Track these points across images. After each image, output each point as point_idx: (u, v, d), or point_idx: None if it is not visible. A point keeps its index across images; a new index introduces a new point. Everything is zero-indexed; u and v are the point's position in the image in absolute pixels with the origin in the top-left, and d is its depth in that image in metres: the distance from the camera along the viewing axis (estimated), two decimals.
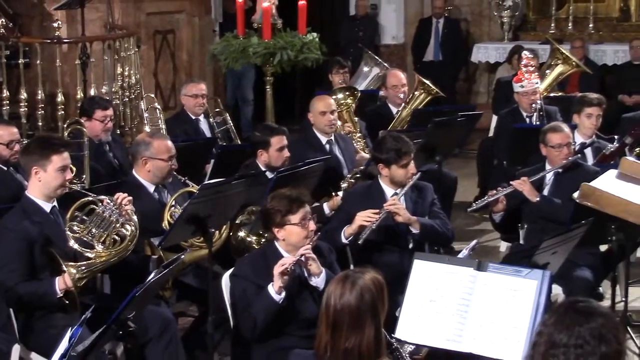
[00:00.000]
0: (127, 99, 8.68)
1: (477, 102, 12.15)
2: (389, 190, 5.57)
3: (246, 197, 5.29)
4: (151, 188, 5.47)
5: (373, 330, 3.37)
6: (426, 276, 3.92)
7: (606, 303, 6.00)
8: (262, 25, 8.66)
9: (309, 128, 7.07)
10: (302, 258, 4.40)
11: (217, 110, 7.88)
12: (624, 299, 6.03)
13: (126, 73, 8.67)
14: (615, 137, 7.02)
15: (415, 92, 8.15)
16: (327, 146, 6.90)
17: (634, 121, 7.45)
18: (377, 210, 5.34)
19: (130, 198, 4.93)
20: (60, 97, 8.17)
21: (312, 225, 4.56)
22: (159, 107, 7.82)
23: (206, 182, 5.40)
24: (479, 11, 12.94)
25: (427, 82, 8.22)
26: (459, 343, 3.76)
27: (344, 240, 5.35)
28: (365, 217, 5.31)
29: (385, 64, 9.43)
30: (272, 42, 8.49)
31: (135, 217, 4.86)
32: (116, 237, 4.80)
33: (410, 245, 5.45)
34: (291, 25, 8.82)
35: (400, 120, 7.95)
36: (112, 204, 4.82)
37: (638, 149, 6.80)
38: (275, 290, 4.33)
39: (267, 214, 4.56)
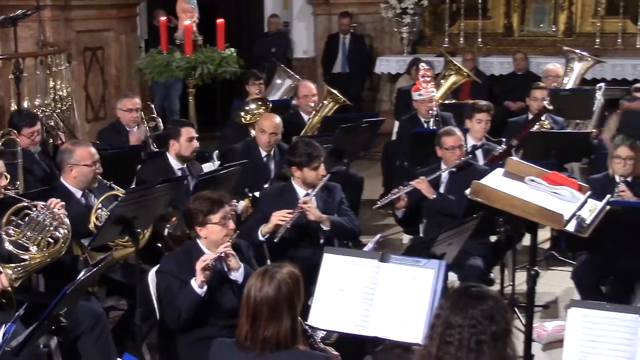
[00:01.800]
0: (59, 111, 8.54)
1: (381, 109, 12.19)
2: (301, 191, 5.57)
3: (169, 199, 5.24)
4: (78, 193, 5.37)
5: (290, 319, 3.37)
6: (335, 268, 3.93)
7: (496, 287, 6.10)
8: (184, 42, 8.63)
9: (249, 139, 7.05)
10: (222, 254, 4.38)
11: (152, 116, 7.78)
12: (511, 283, 6.16)
13: (58, 87, 8.53)
14: (503, 139, 7.13)
15: (325, 101, 8.16)
16: (265, 159, 6.79)
17: (519, 125, 7.58)
18: (291, 210, 5.34)
19: (63, 203, 4.84)
20: None
21: (231, 224, 4.54)
22: None
23: (132, 186, 5.34)
24: (381, 27, 13.01)
25: (335, 91, 8.24)
26: (366, 328, 3.77)
27: (261, 238, 5.34)
28: (281, 217, 5.30)
29: (297, 76, 9.41)
30: (193, 56, 8.47)
31: (67, 221, 4.77)
32: (50, 240, 4.71)
33: (322, 241, 5.45)
34: (211, 41, 8.80)
35: (311, 126, 7.95)
36: (45, 208, 4.73)
37: (522, 150, 6.93)
38: (197, 284, 4.29)
39: (190, 214, 4.53)
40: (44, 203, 4.76)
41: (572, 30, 11.90)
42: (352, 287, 3.86)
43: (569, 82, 9.18)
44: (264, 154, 6.81)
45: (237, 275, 4.45)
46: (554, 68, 9.27)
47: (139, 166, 6.48)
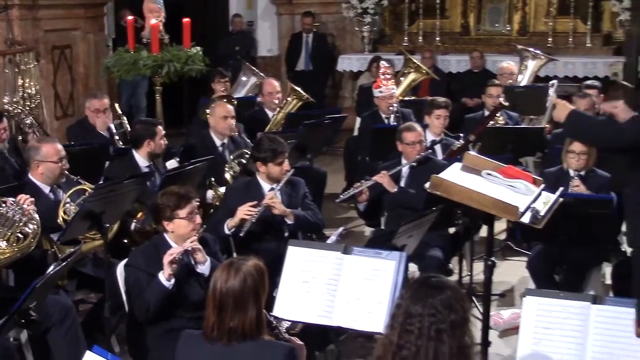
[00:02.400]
0: (28, 109, 8.46)
1: (343, 106, 12.22)
2: (266, 186, 5.55)
3: (136, 194, 5.21)
4: (46, 189, 5.32)
5: (255, 310, 3.36)
6: (299, 260, 3.92)
7: (455, 277, 6.14)
8: (150, 40, 8.55)
9: (204, 131, 7.06)
10: (189, 248, 4.36)
11: (116, 114, 7.71)
12: (469, 273, 6.19)
13: (27, 85, 8.45)
14: (460, 135, 7.16)
15: (289, 98, 8.15)
16: (221, 149, 6.84)
17: (475, 121, 7.62)
18: (256, 202, 5.33)
19: (32, 199, 4.80)
20: None
21: (198, 219, 4.53)
22: None
23: (100, 182, 5.30)
24: (342, 27, 13.02)
25: (298, 89, 8.23)
26: (329, 318, 3.77)
27: (227, 232, 5.31)
28: (246, 211, 5.28)
29: (262, 74, 9.40)
30: (160, 55, 8.37)
31: (37, 216, 4.73)
32: (20, 235, 4.66)
33: (286, 234, 5.43)
34: (177, 40, 8.73)
35: (276, 123, 7.94)
36: (15, 204, 4.68)
37: (479, 144, 6.97)
38: (165, 277, 4.27)
39: (158, 209, 4.49)
40: (13, 199, 4.70)
41: (526, 29, 12.00)
42: (315, 279, 3.85)
43: (523, 80, 9.24)
44: (219, 143, 6.86)
45: (203, 269, 4.43)
46: (508, 66, 9.34)
47: (107, 163, 6.43)
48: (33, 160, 5.31)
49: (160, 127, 6.21)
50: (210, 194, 6.34)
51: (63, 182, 5.41)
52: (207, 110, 7.38)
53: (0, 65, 8.28)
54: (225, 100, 7.51)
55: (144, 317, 4.34)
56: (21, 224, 4.67)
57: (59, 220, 5.07)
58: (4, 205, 4.67)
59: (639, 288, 4.44)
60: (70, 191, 5.23)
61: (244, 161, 6.55)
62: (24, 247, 4.65)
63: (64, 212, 5.11)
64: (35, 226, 4.70)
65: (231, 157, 6.67)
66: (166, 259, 4.28)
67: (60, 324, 4.62)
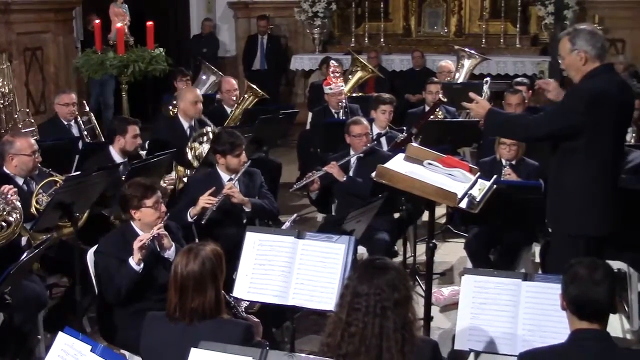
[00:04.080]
0: (1, 106, 8.31)
1: (296, 102, 12.18)
2: (225, 176, 5.51)
3: (104, 185, 5.13)
4: (20, 180, 5.22)
5: (214, 292, 3.35)
6: (256, 245, 3.89)
7: (399, 258, 6.17)
8: (116, 42, 8.46)
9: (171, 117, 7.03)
10: (156, 235, 4.31)
11: (84, 111, 7.59)
12: (412, 254, 6.23)
13: (0, 84, 8.29)
14: (404, 128, 7.18)
15: (245, 95, 8.09)
16: (188, 130, 6.77)
17: (417, 115, 7.64)
18: (214, 188, 5.27)
19: (16, 189, 4.71)
20: None
21: (162, 208, 4.50)
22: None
23: (71, 174, 5.21)
24: (294, 29, 12.96)
25: (254, 86, 8.17)
26: (285, 298, 3.75)
27: (189, 219, 5.26)
28: (207, 200, 5.24)
29: (220, 73, 9.32)
30: (125, 56, 8.30)
31: (19, 205, 4.63)
32: (3, 224, 4.55)
33: (244, 221, 5.40)
34: (141, 42, 8.64)
35: (234, 118, 7.87)
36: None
37: (421, 137, 6.99)
38: (135, 262, 4.22)
39: (126, 198, 4.43)
40: None
41: (462, 31, 12.06)
42: (272, 262, 3.83)
43: (460, 77, 9.28)
44: (186, 125, 6.82)
45: (169, 254, 4.38)
46: (446, 65, 9.38)
47: (77, 157, 6.31)
48: (7, 153, 5.21)
49: (133, 127, 6.02)
50: (173, 175, 6.24)
51: (36, 174, 5.31)
52: (170, 107, 7.31)
53: None
54: None
55: (115, 299, 4.29)
56: (4, 212, 4.56)
57: (32, 210, 4.97)
58: None
59: (555, 263, 4.49)
60: (42, 182, 5.13)
61: (203, 141, 6.46)
62: (7, 235, 4.54)
63: (37, 202, 5.02)
64: (18, 215, 4.60)
65: (192, 138, 6.57)
66: (136, 244, 4.23)
67: (34, 307, 4.55)
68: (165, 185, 5.97)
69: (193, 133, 6.72)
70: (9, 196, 4.64)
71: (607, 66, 4.28)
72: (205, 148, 6.38)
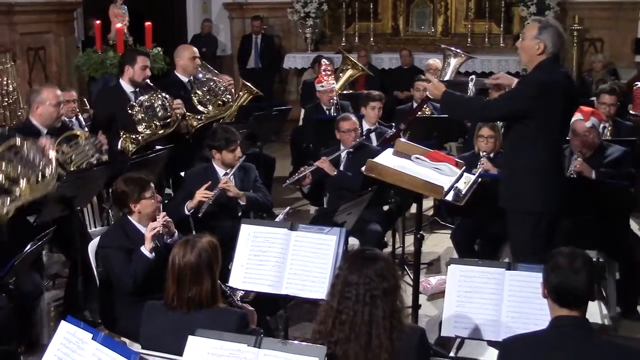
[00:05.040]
0: (5, 104, 8.31)
1: (289, 99, 12.17)
2: (221, 171, 5.49)
3: (105, 179, 5.11)
4: (44, 131, 5.19)
5: (210, 282, 3.36)
6: (251, 236, 3.88)
7: (389, 249, 6.18)
8: (116, 42, 8.45)
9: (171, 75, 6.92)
10: (164, 222, 4.30)
11: (85, 108, 7.57)
12: (401, 245, 6.22)
13: (4, 82, 8.29)
14: (393, 124, 7.18)
15: (240, 93, 8.05)
16: (189, 85, 6.68)
17: (405, 112, 7.65)
18: (210, 183, 5.27)
19: (53, 141, 4.71)
20: None
21: (159, 197, 4.52)
22: None
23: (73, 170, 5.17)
24: (287, 29, 12.95)
25: (249, 84, 8.12)
26: (279, 287, 3.75)
27: (187, 212, 5.25)
28: (203, 194, 5.23)
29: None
30: None
31: (54, 159, 4.56)
32: (39, 177, 4.45)
33: (239, 214, 5.40)
34: (140, 42, 8.62)
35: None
36: (35, 146, 4.48)
37: (409, 132, 6.99)
38: (147, 249, 4.22)
39: (125, 194, 4.41)
40: (33, 140, 4.52)
41: (448, 31, 12.09)
42: (266, 253, 3.82)
43: (447, 75, 9.19)
44: (185, 80, 6.66)
45: (173, 241, 4.34)
46: (434, 63, 9.33)
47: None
48: (33, 101, 5.21)
49: (143, 57, 6.03)
50: (183, 124, 6.28)
51: (58, 127, 5.29)
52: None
53: None
54: None
55: (132, 287, 4.24)
56: (41, 166, 4.46)
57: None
58: (24, 146, 4.44)
59: (514, 241, 4.59)
60: (63, 135, 5.06)
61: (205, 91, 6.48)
62: (43, 187, 4.44)
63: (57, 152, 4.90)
64: (53, 169, 4.51)
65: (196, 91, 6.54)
66: (148, 233, 4.23)
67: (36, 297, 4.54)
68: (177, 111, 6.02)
69: (193, 86, 6.65)
70: (46, 150, 4.58)
71: (554, 57, 4.44)
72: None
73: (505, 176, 4.64)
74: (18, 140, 4.41)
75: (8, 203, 4.25)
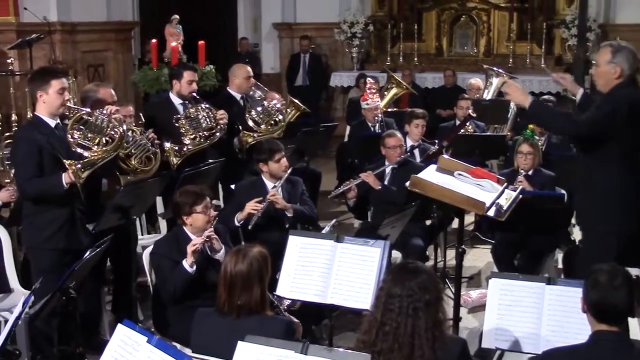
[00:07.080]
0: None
1: (335, 116, 12.23)
2: (269, 184, 5.53)
3: (160, 190, 5.19)
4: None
5: (260, 290, 3.38)
6: (298, 247, 3.90)
7: (431, 262, 6.14)
8: (171, 60, 8.56)
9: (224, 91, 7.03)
10: (208, 238, 4.33)
11: (140, 122, 7.67)
12: (443, 259, 6.17)
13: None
14: (436, 141, 7.15)
15: (288, 109, 8.10)
16: (242, 101, 6.79)
17: (448, 129, 7.62)
18: (261, 199, 5.32)
19: (118, 108, 4.85)
20: (14, 117, 8.07)
21: (212, 212, 4.52)
22: None
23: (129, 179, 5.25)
24: (335, 48, 13.02)
25: (297, 101, 8.19)
26: (324, 297, 3.75)
27: (236, 224, 5.30)
28: (253, 206, 5.27)
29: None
30: None
31: (120, 123, 4.67)
32: (108, 139, 4.56)
33: (287, 225, 5.41)
34: (193, 59, 8.73)
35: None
36: (102, 114, 4.59)
37: (452, 149, 6.96)
38: (188, 264, 4.26)
39: (178, 206, 4.47)
40: (100, 110, 4.64)
41: (491, 51, 12.02)
42: (312, 263, 3.84)
43: (488, 94, 9.20)
44: (239, 97, 6.76)
45: (219, 256, 4.38)
46: (476, 82, 9.31)
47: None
48: (87, 99, 5.25)
49: (190, 72, 6.12)
50: (236, 140, 6.43)
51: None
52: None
53: None
54: None
55: (171, 298, 4.31)
56: (108, 129, 4.56)
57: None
58: (92, 116, 4.57)
59: (587, 261, 4.45)
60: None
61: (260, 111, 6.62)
62: (112, 149, 4.55)
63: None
64: (121, 130, 4.61)
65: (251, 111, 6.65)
66: (189, 248, 4.26)
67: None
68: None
69: (247, 104, 6.77)
70: (113, 114, 4.67)
71: (631, 79, 4.32)
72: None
73: (582, 196, 4.54)
74: (85, 113, 4.54)
75: (86, 165, 4.37)
